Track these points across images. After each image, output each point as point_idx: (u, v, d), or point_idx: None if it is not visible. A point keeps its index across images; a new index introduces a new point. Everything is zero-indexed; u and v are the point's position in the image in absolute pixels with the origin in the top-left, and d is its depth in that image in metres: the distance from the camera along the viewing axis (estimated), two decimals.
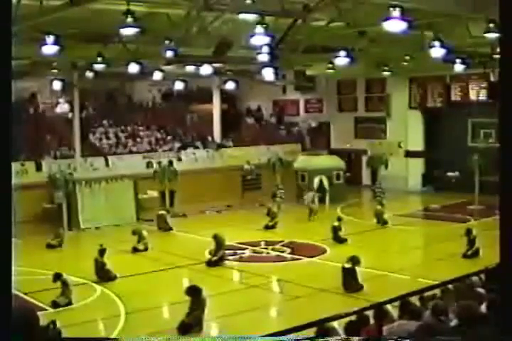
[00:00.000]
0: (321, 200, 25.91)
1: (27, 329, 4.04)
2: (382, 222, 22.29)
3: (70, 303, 13.83)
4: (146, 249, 19.06)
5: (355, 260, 14.65)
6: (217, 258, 17.32)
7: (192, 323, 12.03)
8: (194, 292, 12.30)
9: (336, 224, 19.90)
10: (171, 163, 26.80)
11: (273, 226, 22.21)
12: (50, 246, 19.58)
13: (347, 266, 14.59)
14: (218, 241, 17.52)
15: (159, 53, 17.10)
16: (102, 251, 16.02)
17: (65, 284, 13.88)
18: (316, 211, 24.04)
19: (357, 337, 6.60)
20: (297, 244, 19.78)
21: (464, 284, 8.11)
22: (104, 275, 15.81)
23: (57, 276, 13.96)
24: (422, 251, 20.46)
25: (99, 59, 18.52)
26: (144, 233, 19.33)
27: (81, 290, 14.74)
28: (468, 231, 17.60)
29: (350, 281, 14.56)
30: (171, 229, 22.47)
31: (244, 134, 32.99)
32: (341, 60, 18.16)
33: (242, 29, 15.45)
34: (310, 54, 19.93)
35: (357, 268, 14.58)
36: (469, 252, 17.23)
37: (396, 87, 30.52)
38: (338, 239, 19.61)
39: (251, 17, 13.67)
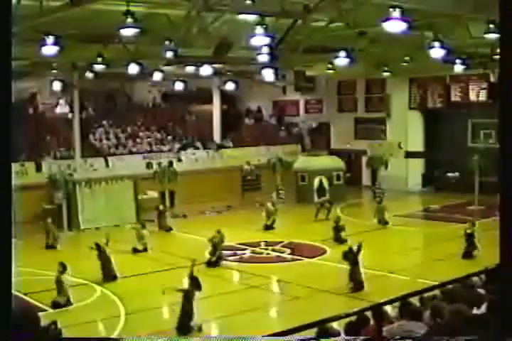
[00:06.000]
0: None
1: (28, 330, 4.04)
2: (383, 221, 22.25)
3: (68, 301, 13.79)
4: (145, 250, 19.09)
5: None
6: (215, 258, 17.34)
7: (189, 322, 12.11)
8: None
9: (337, 224, 19.95)
10: (170, 163, 26.82)
11: (272, 225, 22.18)
12: (49, 247, 19.62)
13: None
14: (215, 242, 17.59)
15: (159, 54, 17.09)
16: (98, 247, 16.01)
17: (59, 283, 13.84)
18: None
19: (359, 338, 6.60)
20: (297, 245, 19.78)
21: (464, 285, 8.10)
22: (107, 272, 15.80)
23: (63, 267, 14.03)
24: (421, 252, 20.45)
25: (99, 59, 18.51)
26: (144, 233, 19.38)
27: (81, 290, 14.75)
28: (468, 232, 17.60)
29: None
30: (170, 228, 22.51)
31: (244, 135, 32.99)
32: (341, 60, 18.16)
33: (242, 30, 15.45)
34: (310, 54, 19.93)
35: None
36: (469, 252, 17.21)
37: (396, 87, 30.53)
38: (339, 240, 19.58)
39: (251, 17, 13.68)
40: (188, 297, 12.32)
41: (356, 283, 14.68)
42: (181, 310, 12.26)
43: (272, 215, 22.46)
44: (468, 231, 17.48)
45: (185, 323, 12.08)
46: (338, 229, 19.78)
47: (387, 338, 6.18)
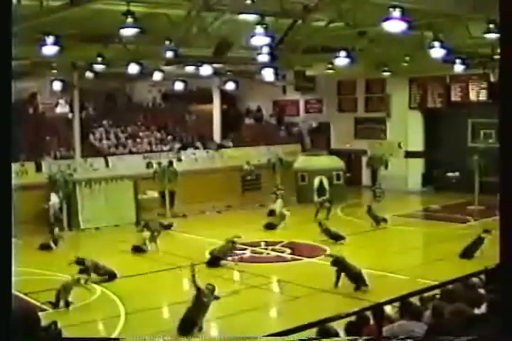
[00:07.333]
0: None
1: (28, 330, 4.05)
2: (379, 220, 22.07)
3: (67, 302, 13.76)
4: (145, 250, 19.09)
5: None
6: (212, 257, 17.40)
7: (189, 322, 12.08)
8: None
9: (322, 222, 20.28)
10: (171, 163, 26.80)
11: (274, 226, 22.18)
12: (46, 247, 19.64)
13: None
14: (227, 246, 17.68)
15: (159, 53, 17.10)
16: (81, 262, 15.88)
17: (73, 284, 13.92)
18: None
19: (359, 338, 6.60)
20: (297, 245, 19.79)
21: (464, 285, 8.10)
22: (105, 274, 15.80)
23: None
24: (421, 252, 20.45)
25: (99, 59, 18.50)
26: (146, 233, 19.43)
27: (81, 290, 14.72)
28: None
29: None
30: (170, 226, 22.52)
31: (244, 134, 32.99)
32: (341, 60, 18.16)
33: (242, 29, 15.46)
34: (310, 54, 19.94)
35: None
36: (471, 252, 17.14)
37: (396, 87, 30.52)
38: (333, 236, 19.61)
39: (251, 17, 13.68)
40: (198, 303, 12.25)
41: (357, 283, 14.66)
42: (186, 312, 12.18)
43: (283, 219, 22.43)
44: (483, 235, 17.27)
45: (186, 328, 12.01)
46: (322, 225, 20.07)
47: (387, 338, 6.18)
